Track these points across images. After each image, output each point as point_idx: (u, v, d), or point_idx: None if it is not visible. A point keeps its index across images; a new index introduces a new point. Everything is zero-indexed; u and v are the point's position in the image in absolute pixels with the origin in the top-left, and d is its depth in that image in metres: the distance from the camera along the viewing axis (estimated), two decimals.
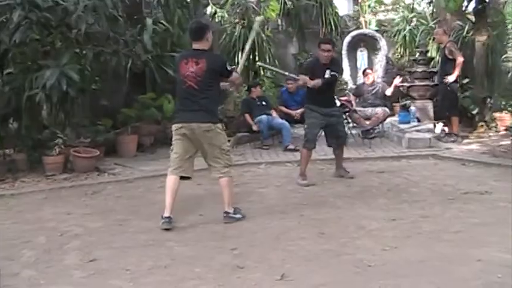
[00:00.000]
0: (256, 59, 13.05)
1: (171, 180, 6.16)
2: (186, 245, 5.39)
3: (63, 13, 8.87)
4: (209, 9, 13.11)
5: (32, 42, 9.05)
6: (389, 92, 11.45)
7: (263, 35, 13.18)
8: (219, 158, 6.12)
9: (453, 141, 10.43)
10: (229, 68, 6.26)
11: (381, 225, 5.82)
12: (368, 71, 12.15)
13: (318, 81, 7.69)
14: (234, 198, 6.32)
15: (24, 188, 8.10)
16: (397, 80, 11.67)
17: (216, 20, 13.16)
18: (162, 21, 10.39)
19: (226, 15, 13.13)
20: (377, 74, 13.06)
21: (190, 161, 6.25)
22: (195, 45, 6.14)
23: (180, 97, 6.20)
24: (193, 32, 6.23)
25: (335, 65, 8.06)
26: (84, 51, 9.39)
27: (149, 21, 10.17)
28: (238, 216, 6.19)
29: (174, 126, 6.16)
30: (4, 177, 8.52)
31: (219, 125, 6.13)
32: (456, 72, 10.52)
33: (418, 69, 11.83)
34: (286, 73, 9.10)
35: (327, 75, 7.77)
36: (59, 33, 9.13)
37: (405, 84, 12.02)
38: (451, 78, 10.54)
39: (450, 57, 10.61)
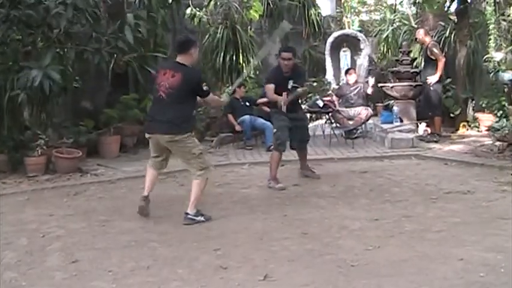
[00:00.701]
0: (240, 59, 13.05)
1: (148, 171, 6.61)
2: (169, 246, 5.37)
3: (45, 12, 8.81)
4: (188, 11, 13.07)
5: (12, 42, 8.99)
6: (369, 90, 11.51)
7: (246, 36, 13.17)
8: (192, 163, 6.23)
9: (436, 141, 10.49)
10: (204, 88, 6.47)
11: (364, 225, 5.84)
12: (350, 71, 12.20)
13: (285, 100, 7.69)
14: (199, 201, 6.29)
15: (6, 189, 8.04)
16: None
17: (195, 22, 13.13)
18: (142, 16, 10.27)
19: (205, 18, 13.10)
20: (360, 74, 13.11)
21: (165, 161, 6.57)
22: (178, 58, 6.26)
23: (152, 105, 6.47)
24: (178, 45, 6.38)
25: (297, 74, 8.05)
26: (66, 50, 9.32)
27: (130, 16, 10.07)
28: (199, 218, 6.16)
29: (146, 135, 6.43)
30: None
31: (185, 135, 6.13)
32: (438, 73, 10.61)
33: (400, 70, 11.88)
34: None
35: (289, 86, 7.83)
36: (41, 33, 9.07)
37: (388, 84, 12.06)
38: (433, 79, 10.63)
39: (432, 57, 10.69)
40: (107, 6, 10.19)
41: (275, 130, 8.10)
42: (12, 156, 8.96)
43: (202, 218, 6.17)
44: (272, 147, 10.15)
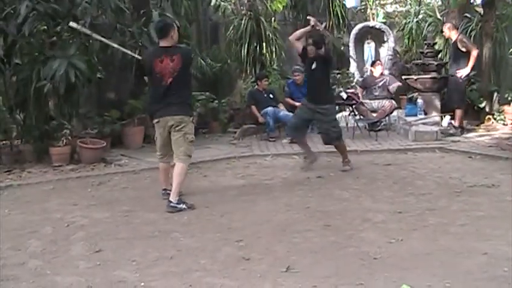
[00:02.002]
0: (263, 50, 13.03)
1: (160, 166, 6.96)
2: (191, 237, 5.40)
3: (70, 4, 8.88)
4: (213, 2, 13.08)
5: (39, 33, 9.07)
6: (393, 89, 11.42)
7: (270, 27, 13.15)
8: (183, 146, 6.45)
9: (453, 135, 10.37)
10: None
11: (387, 217, 5.81)
12: (376, 62, 12.11)
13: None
14: (182, 188, 6.52)
15: (31, 178, 8.14)
16: (394, 86, 11.62)
17: (220, 12, 13.13)
18: (167, 14, 10.35)
19: (229, 8, 13.11)
20: (384, 67, 13.03)
21: (170, 155, 6.70)
22: (162, 43, 6.52)
23: (156, 92, 6.60)
24: (159, 31, 6.65)
25: (320, 59, 8.00)
26: (90, 41, 9.39)
27: (155, 13, 10.16)
28: (181, 206, 6.31)
29: (154, 121, 6.65)
30: (11, 167, 8.57)
31: (191, 118, 6.59)
32: (471, 64, 10.46)
33: (425, 62, 11.77)
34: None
35: (313, 66, 7.93)
36: (66, 24, 9.13)
37: (412, 76, 11.97)
38: (465, 72, 10.48)
39: (464, 50, 10.54)
40: None
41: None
42: (37, 146, 9.06)
43: (184, 206, 6.32)
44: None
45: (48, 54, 8.86)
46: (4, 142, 9.18)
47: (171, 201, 6.29)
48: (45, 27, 9.09)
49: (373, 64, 12.22)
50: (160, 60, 6.37)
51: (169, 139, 6.54)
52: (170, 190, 6.46)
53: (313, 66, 7.94)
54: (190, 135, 6.48)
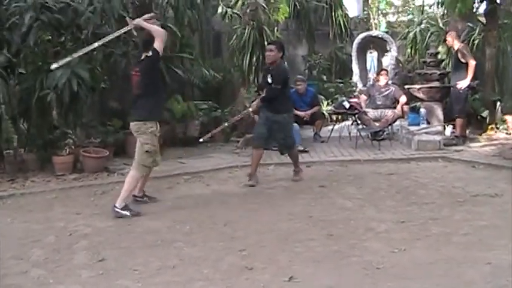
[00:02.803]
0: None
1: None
2: (194, 246, 5.40)
3: (74, 14, 8.91)
4: (220, 9, 13.10)
5: (43, 43, 9.11)
6: (398, 110, 11.42)
7: (272, 37, 13.16)
8: (137, 154, 6.70)
9: (458, 144, 10.36)
10: (150, 53, 6.65)
11: (390, 227, 5.81)
12: (382, 72, 12.11)
13: (253, 105, 8.10)
14: (129, 196, 6.70)
15: (35, 187, 8.14)
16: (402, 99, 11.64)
17: (227, 20, 13.17)
18: (170, 24, 10.38)
19: (236, 15, 13.14)
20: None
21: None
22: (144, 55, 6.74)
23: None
24: (143, 44, 6.88)
25: (275, 72, 7.94)
26: (94, 52, 9.41)
27: (158, 23, 10.16)
28: (124, 212, 6.44)
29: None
30: (15, 176, 8.57)
31: (148, 125, 6.63)
32: (469, 77, 10.46)
33: (427, 71, 11.78)
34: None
35: (269, 80, 7.92)
36: (70, 34, 9.17)
37: (415, 86, 11.98)
38: (464, 83, 10.47)
39: (463, 60, 10.55)
40: (134, 8, 10.25)
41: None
42: (40, 155, 9.06)
43: (127, 213, 6.44)
44: (297, 147, 10.24)
45: (52, 64, 8.87)
46: (8, 151, 9.18)
47: (116, 206, 6.46)
48: (49, 37, 9.11)
49: (379, 73, 12.23)
50: (136, 71, 6.72)
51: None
52: (139, 197, 6.97)
53: (269, 79, 7.94)
54: (147, 145, 6.61)
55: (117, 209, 6.41)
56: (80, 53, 7.40)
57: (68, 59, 7.48)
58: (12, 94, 8.98)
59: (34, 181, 8.42)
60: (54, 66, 7.46)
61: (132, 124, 6.65)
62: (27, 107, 9.08)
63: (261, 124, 8.10)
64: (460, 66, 10.64)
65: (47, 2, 8.52)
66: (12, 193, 7.79)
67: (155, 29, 6.76)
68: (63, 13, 8.82)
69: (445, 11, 14.09)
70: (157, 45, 6.57)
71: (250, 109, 8.37)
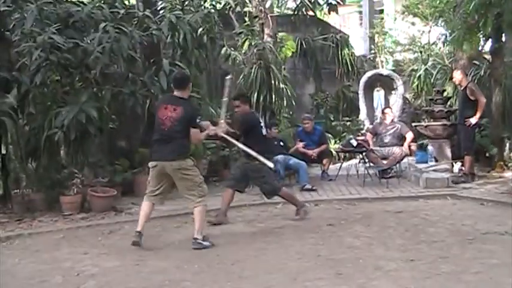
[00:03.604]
0: (273, 99, 13.11)
1: (144, 205, 6.99)
2: (202, 286, 5.36)
3: (83, 54, 9.02)
4: (223, 51, 13.24)
5: (52, 83, 9.20)
6: (405, 147, 11.38)
7: (279, 76, 13.26)
8: (193, 190, 6.71)
9: (466, 181, 10.31)
10: (197, 120, 6.95)
11: (399, 265, 5.76)
12: (387, 110, 12.14)
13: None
14: (204, 227, 6.80)
15: (42, 227, 8.13)
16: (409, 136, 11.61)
17: (230, 62, 13.28)
18: (178, 62, 10.49)
19: (240, 57, 13.25)
20: (394, 114, 13.07)
21: (163, 195, 7.01)
22: (176, 92, 6.85)
23: (155, 136, 6.79)
24: (176, 81, 6.99)
25: (236, 122, 8.13)
26: (102, 92, 9.50)
27: (166, 62, 10.30)
28: (206, 243, 6.63)
29: (150, 164, 6.84)
30: (22, 216, 8.56)
31: (189, 161, 6.74)
32: (478, 114, 10.44)
33: (434, 109, 11.82)
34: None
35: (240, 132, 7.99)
36: (78, 73, 9.26)
37: (422, 123, 12.01)
38: (473, 120, 10.45)
39: (472, 98, 10.53)
40: (142, 48, 10.37)
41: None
42: (48, 195, 9.07)
43: (208, 243, 6.62)
44: (305, 186, 10.23)
45: (61, 104, 8.96)
46: (15, 191, 9.20)
47: (197, 238, 6.62)
48: (58, 77, 9.21)
49: (383, 111, 12.26)
50: (165, 107, 6.69)
51: (167, 182, 6.83)
52: (138, 232, 6.76)
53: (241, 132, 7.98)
54: (197, 177, 6.77)
55: (199, 241, 6.61)
56: None
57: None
58: (20, 134, 9.04)
59: (41, 221, 8.41)
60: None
61: (174, 163, 6.60)
62: (36, 147, 9.14)
63: (236, 167, 8.33)
64: (468, 104, 10.63)
65: (56, 42, 8.62)
66: (20, 233, 7.77)
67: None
68: (72, 53, 8.93)
69: (452, 49, 14.18)
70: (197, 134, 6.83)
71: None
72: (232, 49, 13.32)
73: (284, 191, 8.38)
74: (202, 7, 11.86)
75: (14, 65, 9.18)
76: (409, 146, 11.68)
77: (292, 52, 14.30)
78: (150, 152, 7.01)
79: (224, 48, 13.16)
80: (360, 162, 11.31)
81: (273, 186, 8.16)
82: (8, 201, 9.00)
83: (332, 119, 15.00)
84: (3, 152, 8.68)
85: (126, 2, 11.06)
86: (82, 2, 9.82)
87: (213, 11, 12.15)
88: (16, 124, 8.85)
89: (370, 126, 13.23)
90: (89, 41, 9.16)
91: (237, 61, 13.27)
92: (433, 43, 16.42)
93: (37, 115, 9.24)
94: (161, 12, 11.09)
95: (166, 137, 6.63)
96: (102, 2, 9.90)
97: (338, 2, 13.81)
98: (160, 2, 11.63)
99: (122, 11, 9.88)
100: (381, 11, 20.82)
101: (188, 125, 6.65)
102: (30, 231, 7.86)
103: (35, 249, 7.04)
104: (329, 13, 15.25)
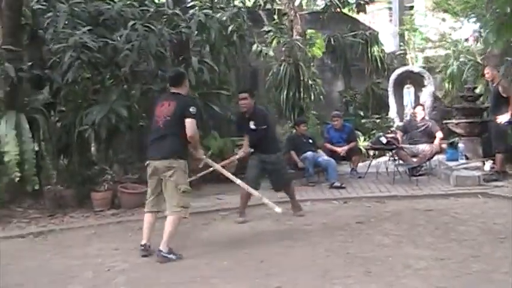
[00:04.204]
0: (302, 96, 13.09)
1: (145, 216, 6.59)
2: (230, 282, 5.39)
3: (113, 52, 9.11)
4: (254, 47, 13.25)
5: (82, 81, 9.32)
6: (436, 145, 11.26)
7: (308, 73, 13.23)
8: (172, 197, 6.28)
9: (498, 180, 10.18)
10: (191, 109, 6.35)
11: (429, 264, 5.72)
12: (418, 107, 12.02)
13: (241, 152, 8.13)
14: (173, 239, 6.32)
15: (73, 223, 8.24)
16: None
17: (261, 58, 13.28)
18: (207, 60, 10.54)
19: (271, 53, 13.24)
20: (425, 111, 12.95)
21: (159, 199, 6.51)
22: (172, 89, 6.62)
23: (151, 134, 6.58)
24: (171, 79, 6.71)
25: (257, 116, 8.05)
26: (132, 89, 9.58)
27: (194, 59, 10.35)
28: (171, 256, 6.17)
29: (146, 163, 6.55)
30: (54, 212, 8.69)
31: (181, 163, 6.32)
32: (510, 111, 10.29)
33: (465, 106, 11.70)
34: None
35: (252, 127, 7.94)
36: (109, 71, 9.35)
37: (452, 121, 11.89)
38: (504, 118, 10.30)
39: (504, 95, 10.39)
40: (171, 45, 10.43)
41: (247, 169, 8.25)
42: (79, 191, 9.17)
43: (173, 256, 6.19)
44: (334, 183, 10.20)
45: (91, 101, 9.07)
46: (48, 187, 9.32)
47: (161, 250, 6.18)
48: (89, 75, 9.31)
49: (415, 108, 12.16)
50: (162, 104, 6.48)
51: (159, 186, 6.41)
52: (149, 247, 6.42)
53: (251, 125, 7.97)
54: (183, 186, 6.27)
55: (163, 253, 6.16)
56: None
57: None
58: (52, 131, 9.16)
59: (73, 217, 8.53)
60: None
61: (165, 162, 6.27)
62: (67, 144, 9.25)
63: (253, 166, 8.10)
64: (500, 101, 10.47)
65: (86, 42, 8.71)
66: (52, 228, 7.89)
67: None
68: (102, 51, 9.02)
69: (483, 46, 14.01)
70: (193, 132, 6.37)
71: (237, 156, 8.35)
72: (263, 45, 13.32)
73: (293, 184, 8.55)
74: (232, 5, 11.88)
75: (46, 63, 9.30)
76: (440, 143, 11.56)
77: (323, 52, 14.26)
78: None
79: (255, 45, 13.16)
80: (389, 159, 11.23)
81: (289, 176, 8.45)
82: (41, 197, 9.12)
83: (361, 116, 14.93)
84: (36, 148, 8.78)
85: (156, 0, 11.14)
86: (112, 0, 9.91)
87: (242, 8, 12.17)
88: (48, 121, 8.98)
89: (400, 124, 13.14)
90: (118, 38, 9.25)
91: (268, 57, 13.25)
92: (466, 39, 16.21)
93: (68, 112, 9.36)
94: (191, 10, 11.13)
95: (161, 135, 6.36)
96: (133, 0, 9.98)
97: (366, 2, 13.74)
98: (189, 0, 11.67)
99: (152, 9, 9.96)
100: (411, 7, 20.62)
101: (181, 115, 6.28)
102: (61, 227, 7.98)
103: (66, 244, 7.14)
104: (357, 13, 15.21)
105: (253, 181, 7.95)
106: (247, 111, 7.99)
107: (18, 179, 8.32)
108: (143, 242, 6.42)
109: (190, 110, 6.30)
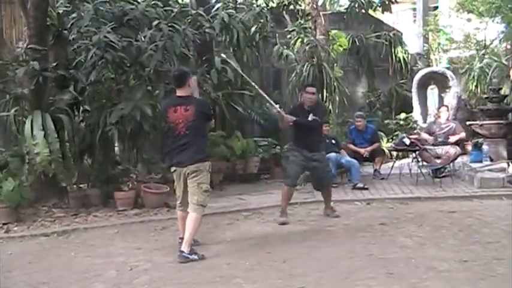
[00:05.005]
0: (325, 96, 13.06)
1: (178, 215, 6.75)
2: (253, 283, 5.39)
3: (137, 52, 9.16)
4: (275, 49, 13.25)
5: (107, 81, 9.38)
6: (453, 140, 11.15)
7: (332, 73, 13.19)
8: (194, 194, 6.38)
9: None
10: (211, 112, 6.59)
11: (452, 266, 5.68)
12: (442, 108, 11.94)
13: (290, 118, 7.78)
14: (192, 239, 6.37)
15: (97, 222, 8.30)
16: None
17: (283, 60, 13.28)
18: (229, 60, 10.56)
19: (292, 55, 13.23)
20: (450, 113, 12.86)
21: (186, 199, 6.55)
22: (179, 92, 6.55)
23: (172, 142, 6.55)
24: (175, 79, 6.65)
25: (319, 110, 8.14)
26: (156, 89, 9.62)
27: (217, 59, 10.37)
28: (193, 257, 6.20)
29: (172, 170, 6.68)
30: (78, 211, 8.76)
31: (206, 164, 6.47)
32: None
33: (490, 107, 11.60)
34: (269, 100, 8.62)
35: (310, 118, 7.86)
36: (133, 71, 9.40)
37: (477, 122, 11.80)
38: None
39: None
40: (195, 45, 10.47)
41: (287, 164, 8.25)
42: (103, 190, 9.24)
43: (196, 257, 6.22)
44: (357, 184, 10.16)
45: (115, 101, 9.13)
46: (72, 186, 9.40)
47: (182, 251, 6.21)
48: (113, 75, 9.37)
49: (439, 109, 12.08)
50: (174, 110, 6.41)
51: (186, 188, 6.51)
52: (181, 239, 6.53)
53: (310, 117, 7.89)
54: (205, 185, 6.41)
55: (184, 254, 6.20)
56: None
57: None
58: (76, 131, 9.23)
59: (96, 216, 8.59)
60: None
61: (192, 166, 6.37)
62: (91, 143, 9.32)
63: (297, 163, 8.05)
64: None
65: (111, 41, 8.77)
66: (76, 227, 7.97)
67: None
68: (127, 51, 9.07)
69: (509, 47, 13.89)
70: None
71: (281, 111, 8.02)
72: (285, 47, 13.31)
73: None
74: (255, 5, 11.89)
75: (70, 63, 9.39)
76: (464, 145, 11.45)
77: (344, 49, 14.20)
78: (167, 159, 6.93)
79: (277, 46, 13.16)
80: (412, 161, 11.17)
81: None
82: (65, 196, 9.21)
83: (385, 117, 14.86)
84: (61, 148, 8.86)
85: (180, 0, 11.19)
86: (136, 0, 9.96)
87: (265, 9, 12.18)
88: (72, 121, 9.05)
89: (424, 125, 13.05)
90: (142, 39, 9.30)
91: (289, 59, 13.25)
92: (492, 41, 16.06)
93: (93, 112, 9.43)
94: (214, 10, 11.16)
95: (186, 141, 6.38)
96: (156, 0, 10.03)
97: (391, 1, 13.66)
98: (213, 0, 11.71)
99: (176, 9, 10.01)
100: (435, 8, 20.49)
101: (205, 119, 6.51)
102: (85, 226, 8.06)
103: (90, 243, 7.20)
104: (383, 13, 15.13)
105: (295, 177, 8.08)
106: (311, 106, 8.00)
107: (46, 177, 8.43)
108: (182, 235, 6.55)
109: (211, 112, 6.54)
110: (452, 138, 11.08)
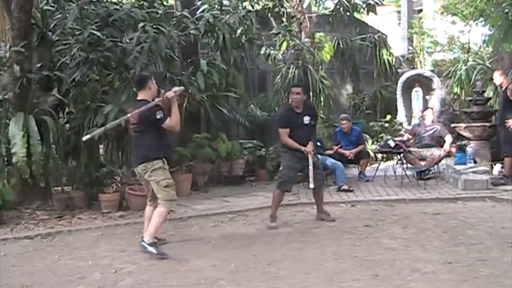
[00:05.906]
0: (311, 99, 13.08)
1: (146, 209, 6.99)
2: (238, 285, 5.38)
3: (122, 53, 9.12)
4: (263, 50, 13.26)
5: (91, 82, 9.34)
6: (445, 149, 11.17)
7: (317, 76, 13.22)
8: (158, 193, 6.58)
9: (504, 184, 10.13)
10: (158, 116, 6.51)
11: (437, 268, 5.70)
12: (427, 111, 11.99)
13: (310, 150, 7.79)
14: (157, 232, 6.64)
15: (81, 224, 8.25)
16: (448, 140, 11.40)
17: (270, 61, 13.29)
18: (215, 62, 10.54)
19: (280, 56, 13.25)
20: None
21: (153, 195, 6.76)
22: (139, 96, 6.73)
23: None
24: (135, 83, 6.96)
25: (310, 110, 8.10)
26: None
27: (203, 62, 10.36)
28: (151, 249, 6.36)
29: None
30: (62, 213, 8.71)
31: (156, 163, 6.54)
32: None
33: (474, 110, 11.66)
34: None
35: (306, 122, 7.85)
36: (118, 73, 9.36)
37: (461, 124, 11.86)
38: None
39: None
40: (180, 47, 10.44)
41: (281, 168, 8.11)
42: (87, 193, 9.20)
43: (154, 250, 6.35)
44: (342, 186, 10.18)
45: (100, 103, 9.08)
46: (56, 188, 9.35)
47: (143, 240, 6.46)
48: (98, 76, 9.33)
49: (424, 111, 12.14)
50: (130, 113, 6.61)
51: (148, 184, 6.71)
52: (158, 238, 6.75)
53: (305, 121, 7.88)
54: (163, 181, 6.53)
55: (144, 244, 6.43)
56: (109, 126, 7.03)
57: (98, 130, 7.10)
58: (61, 133, 9.18)
59: (81, 218, 8.55)
60: (85, 138, 6.94)
61: (139, 166, 6.61)
62: (76, 146, 9.27)
63: (291, 167, 7.97)
64: (509, 105, 10.44)
65: (98, 38, 8.73)
66: (60, 230, 7.92)
67: (177, 117, 6.75)
68: (112, 51, 9.04)
69: (492, 50, 13.98)
70: (168, 125, 6.63)
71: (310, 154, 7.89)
72: (272, 48, 13.33)
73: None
74: (240, 8, 11.89)
75: (55, 64, 9.34)
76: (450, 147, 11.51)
77: (331, 56, 14.27)
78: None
79: (263, 48, 13.17)
80: (397, 163, 11.22)
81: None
82: (49, 198, 9.15)
83: (369, 119, 14.91)
84: (45, 150, 8.80)
85: (165, 2, 11.16)
86: (121, 1, 9.93)
87: (251, 11, 12.17)
88: (57, 123, 9.00)
89: (409, 127, 13.11)
90: (127, 41, 9.27)
91: (276, 60, 13.26)
92: (481, 44, 16.15)
93: (77, 114, 9.38)
94: (199, 12, 11.14)
95: (134, 144, 6.79)
96: (141, 1, 9.99)
97: (376, 3, 13.72)
98: (199, 2, 11.69)
99: (161, 11, 9.97)
100: (420, 11, 20.60)
101: (146, 121, 6.50)
102: (69, 228, 8.01)
103: (74, 246, 7.15)
104: (367, 14, 15.19)
105: (290, 182, 8.02)
106: (298, 106, 7.94)
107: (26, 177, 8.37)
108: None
109: (158, 116, 6.50)
110: (446, 146, 11.12)
